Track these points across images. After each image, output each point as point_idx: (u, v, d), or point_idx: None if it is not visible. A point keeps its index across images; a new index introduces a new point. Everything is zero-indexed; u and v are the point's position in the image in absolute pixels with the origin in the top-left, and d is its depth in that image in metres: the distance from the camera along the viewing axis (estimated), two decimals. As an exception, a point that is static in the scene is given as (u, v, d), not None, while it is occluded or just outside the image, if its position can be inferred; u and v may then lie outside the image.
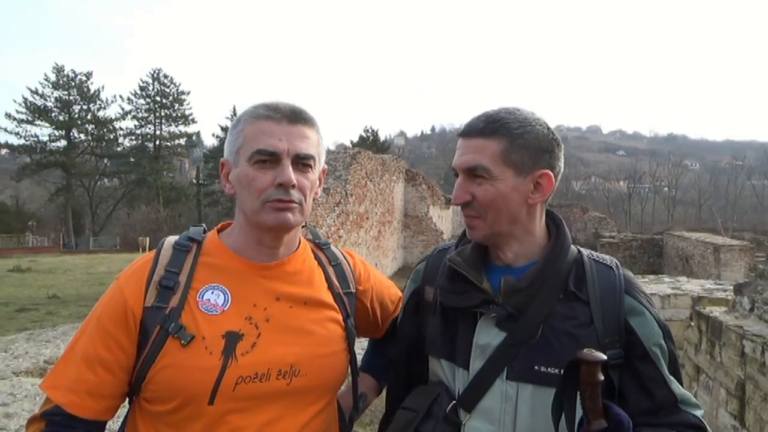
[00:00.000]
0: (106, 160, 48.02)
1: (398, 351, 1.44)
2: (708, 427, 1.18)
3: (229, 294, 1.23)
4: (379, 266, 17.18)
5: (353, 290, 1.41)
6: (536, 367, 1.16)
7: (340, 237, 13.33)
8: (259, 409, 1.19)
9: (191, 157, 63.76)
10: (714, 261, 16.29)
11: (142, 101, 47.50)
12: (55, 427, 1.16)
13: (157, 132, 47.79)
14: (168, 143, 48.73)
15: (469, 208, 1.23)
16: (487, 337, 1.20)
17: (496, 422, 1.17)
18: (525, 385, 1.16)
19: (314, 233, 1.47)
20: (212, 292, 1.22)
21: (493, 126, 1.21)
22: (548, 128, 1.24)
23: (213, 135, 52.29)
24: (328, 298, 1.34)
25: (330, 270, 1.39)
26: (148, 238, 27.73)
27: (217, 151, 49.56)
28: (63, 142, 45.09)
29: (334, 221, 13.06)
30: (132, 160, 47.78)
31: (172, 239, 1.29)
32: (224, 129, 48.64)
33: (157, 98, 47.51)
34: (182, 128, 48.81)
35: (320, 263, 1.39)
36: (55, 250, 33.77)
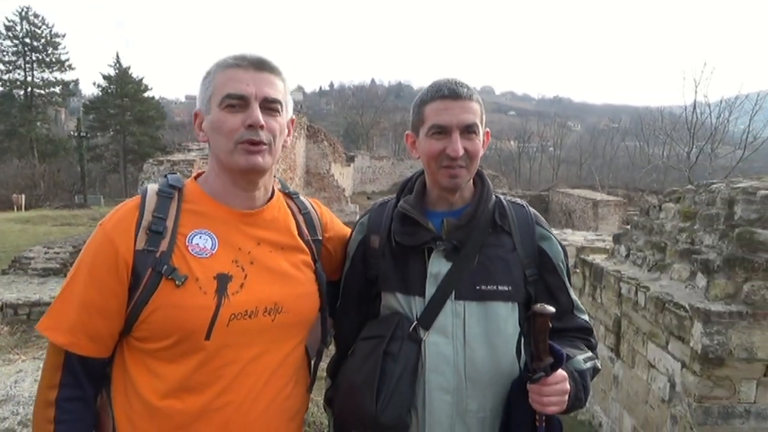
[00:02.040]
0: (-34, 109, 42.60)
1: (349, 297, 1.58)
2: (592, 327, 1.60)
3: (216, 238, 1.30)
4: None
5: (320, 237, 1.52)
6: (477, 287, 1.42)
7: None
8: (248, 344, 1.29)
9: (69, 107, 58.14)
10: (593, 215, 17.84)
11: (8, 43, 42.07)
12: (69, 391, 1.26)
13: (28, 78, 42.82)
14: (41, 91, 43.80)
15: (460, 160, 1.42)
16: (438, 266, 1.44)
17: (450, 335, 1.41)
18: (470, 303, 1.42)
19: (283, 184, 1.56)
20: (200, 237, 1.29)
21: (471, 91, 1.43)
22: None
23: (94, 84, 47.92)
24: (300, 244, 1.44)
25: (300, 218, 1.49)
26: (23, 195, 25.28)
27: (98, 101, 45.54)
28: None
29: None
30: (-2, 108, 42.68)
31: (154, 186, 1.33)
32: (106, 77, 44.77)
33: (27, 40, 42.36)
34: (57, 75, 44.05)
35: (291, 212, 1.48)
36: None
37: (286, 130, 1.39)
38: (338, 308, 1.60)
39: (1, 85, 42.89)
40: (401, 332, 1.40)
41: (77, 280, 1.25)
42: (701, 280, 3.68)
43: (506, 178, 35.31)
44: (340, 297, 1.60)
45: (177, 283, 1.22)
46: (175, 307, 1.22)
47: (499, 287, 1.43)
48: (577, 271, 6.08)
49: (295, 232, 1.45)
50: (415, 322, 1.42)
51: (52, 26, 43.79)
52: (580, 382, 1.39)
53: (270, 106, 1.31)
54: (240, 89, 1.28)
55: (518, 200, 1.61)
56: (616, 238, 5.61)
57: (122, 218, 1.27)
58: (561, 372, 1.30)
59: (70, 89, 47.41)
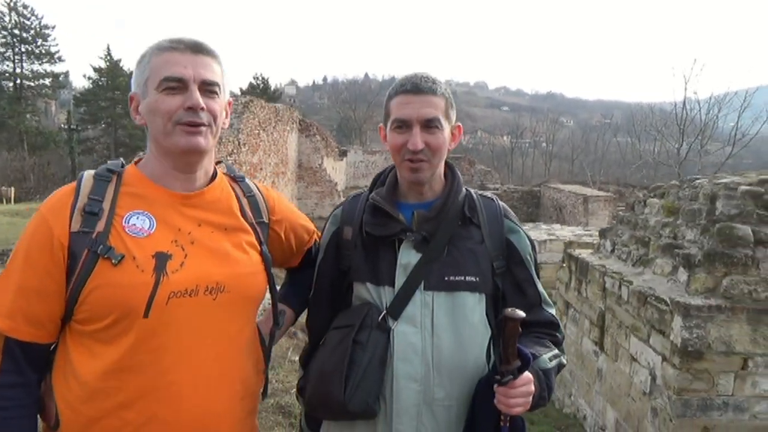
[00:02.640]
0: (-46, 100, 42.02)
1: (322, 288, 1.60)
2: (560, 321, 1.62)
3: (154, 219, 1.31)
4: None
5: (266, 220, 1.53)
6: (446, 278, 1.45)
7: (232, 187, 12.96)
8: (189, 323, 1.29)
9: (59, 100, 57.60)
10: (583, 210, 17.90)
11: (-3, 34, 41.78)
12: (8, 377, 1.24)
13: (17, 70, 42.32)
14: (31, 83, 43.33)
15: (420, 154, 1.44)
16: (408, 257, 1.46)
17: (419, 324, 1.44)
18: (438, 293, 1.45)
19: (230, 168, 1.56)
20: (137, 218, 1.29)
21: (436, 86, 1.45)
22: None
23: (84, 76, 47.22)
24: (244, 225, 1.45)
25: (244, 201, 1.49)
26: (12, 188, 25.02)
27: (89, 94, 45.16)
28: None
29: (226, 171, 12.65)
30: (-14, 100, 42.11)
31: (91, 172, 1.35)
32: (96, 69, 44.32)
33: (16, 31, 41.81)
34: (47, 67, 43.49)
35: (236, 195, 1.48)
36: None
37: (224, 113, 1.40)
38: (311, 299, 1.63)
39: (-10, 77, 42.40)
40: (370, 321, 1.44)
41: (14, 264, 1.25)
42: (682, 275, 3.72)
43: (499, 174, 35.26)
44: (313, 288, 1.62)
45: (113, 261, 1.23)
46: (113, 286, 1.22)
47: (467, 278, 1.46)
48: (564, 265, 6.12)
49: (239, 214, 1.45)
50: (384, 311, 1.45)
51: (42, 18, 43.25)
52: (545, 381, 1.44)
53: (209, 88, 1.33)
54: (178, 72, 1.29)
55: (488, 194, 1.64)
56: (602, 233, 5.65)
57: (57, 201, 1.29)
58: (527, 375, 1.34)
59: (60, 81, 46.86)
